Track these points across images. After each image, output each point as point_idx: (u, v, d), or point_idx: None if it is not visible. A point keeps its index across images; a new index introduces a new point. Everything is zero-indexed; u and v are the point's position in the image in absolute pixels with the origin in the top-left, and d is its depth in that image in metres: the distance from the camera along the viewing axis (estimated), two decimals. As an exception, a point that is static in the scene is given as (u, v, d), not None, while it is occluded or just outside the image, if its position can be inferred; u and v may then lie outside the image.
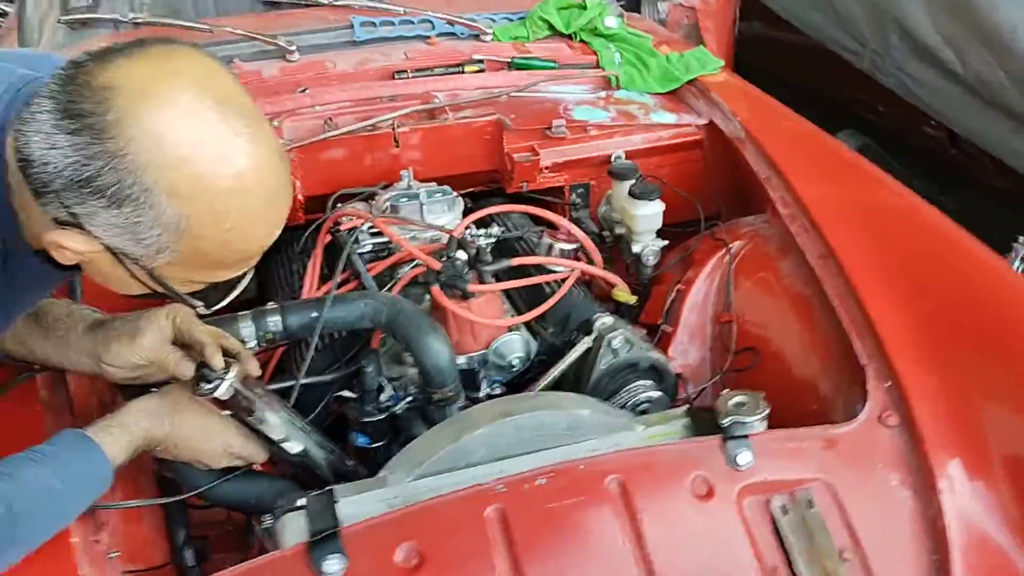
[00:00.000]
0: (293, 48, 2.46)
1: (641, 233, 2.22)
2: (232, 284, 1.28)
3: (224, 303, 1.33)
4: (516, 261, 1.85)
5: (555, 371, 1.76)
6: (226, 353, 1.48)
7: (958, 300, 1.67)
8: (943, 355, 1.59)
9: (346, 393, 1.75)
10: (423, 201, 2.05)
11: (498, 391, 1.87)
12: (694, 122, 2.39)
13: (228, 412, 1.51)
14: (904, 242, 1.84)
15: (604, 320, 1.78)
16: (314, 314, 1.70)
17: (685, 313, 2.05)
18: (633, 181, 2.24)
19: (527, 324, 1.91)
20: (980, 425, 1.51)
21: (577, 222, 2.34)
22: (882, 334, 1.64)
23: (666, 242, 2.25)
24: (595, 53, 2.60)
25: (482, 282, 1.80)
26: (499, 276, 1.86)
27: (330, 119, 2.31)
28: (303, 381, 1.69)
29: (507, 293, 1.97)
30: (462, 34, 2.62)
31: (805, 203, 1.96)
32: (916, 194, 2.01)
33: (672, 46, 2.70)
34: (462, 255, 1.84)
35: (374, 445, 1.75)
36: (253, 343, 1.68)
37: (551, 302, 1.88)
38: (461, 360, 1.83)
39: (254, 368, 1.53)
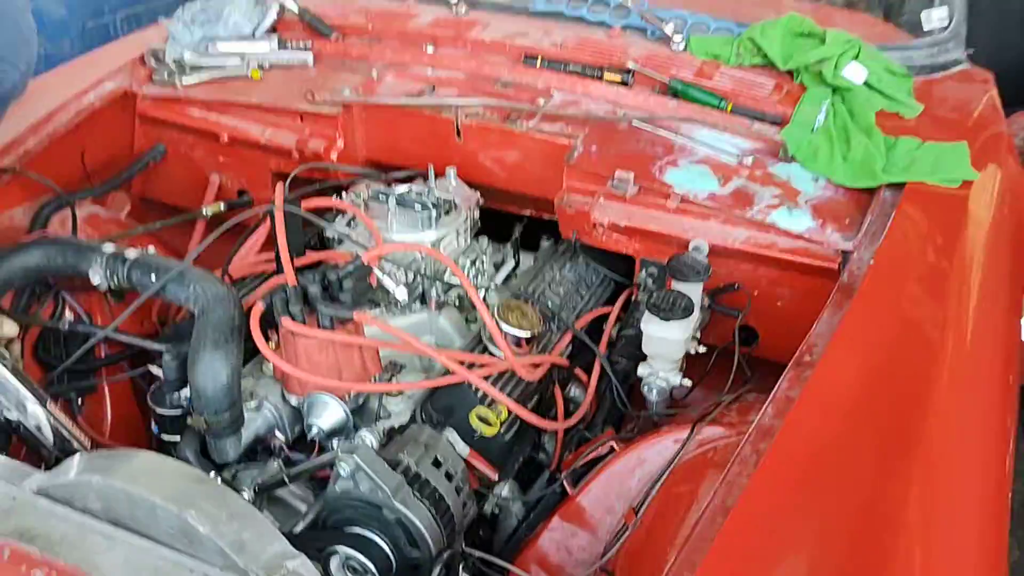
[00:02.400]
0: (457, 1, 2.19)
1: (653, 358, 1.60)
2: None
3: None
4: (362, 317, 1.44)
5: (303, 466, 1.37)
6: None
7: None
8: None
9: (155, 370, 1.58)
10: (390, 207, 1.70)
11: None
12: (833, 243, 1.61)
13: None
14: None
15: (365, 435, 1.32)
16: (153, 277, 1.54)
17: (601, 482, 1.45)
18: (695, 284, 1.62)
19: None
20: None
21: (635, 307, 1.79)
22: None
23: (686, 382, 1.60)
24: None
25: (319, 324, 1.45)
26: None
27: (433, 87, 2.02)
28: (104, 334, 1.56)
29: None
30: (653, 34, 2.07)
31: (789, 416, 1.21)
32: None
33: (957, 132, 1.83)
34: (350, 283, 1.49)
35: (164, 437, 1.56)
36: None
37: (394, 386, 1.46)
38: (292, 400, 1.53)
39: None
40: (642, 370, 1.62)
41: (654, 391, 1.61)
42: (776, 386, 1.31)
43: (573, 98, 1.94)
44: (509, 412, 1.46)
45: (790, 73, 1.95)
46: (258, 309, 1.46)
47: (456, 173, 1.86)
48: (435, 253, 1.60)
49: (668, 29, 2.01)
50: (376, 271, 1.64)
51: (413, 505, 1.27)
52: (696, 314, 1.57)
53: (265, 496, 1.47)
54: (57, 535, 1.22)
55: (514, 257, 1.91)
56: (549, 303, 1.77)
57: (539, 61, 2.00)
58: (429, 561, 1.28)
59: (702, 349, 1.66)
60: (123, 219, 2.14)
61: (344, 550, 1.25)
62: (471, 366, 1.50)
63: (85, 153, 2.09)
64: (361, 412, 1.56)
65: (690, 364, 1.71)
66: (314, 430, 1.46)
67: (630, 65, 1.96)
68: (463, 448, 1.44)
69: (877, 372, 1.32)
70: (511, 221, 2.00)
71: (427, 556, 1.28)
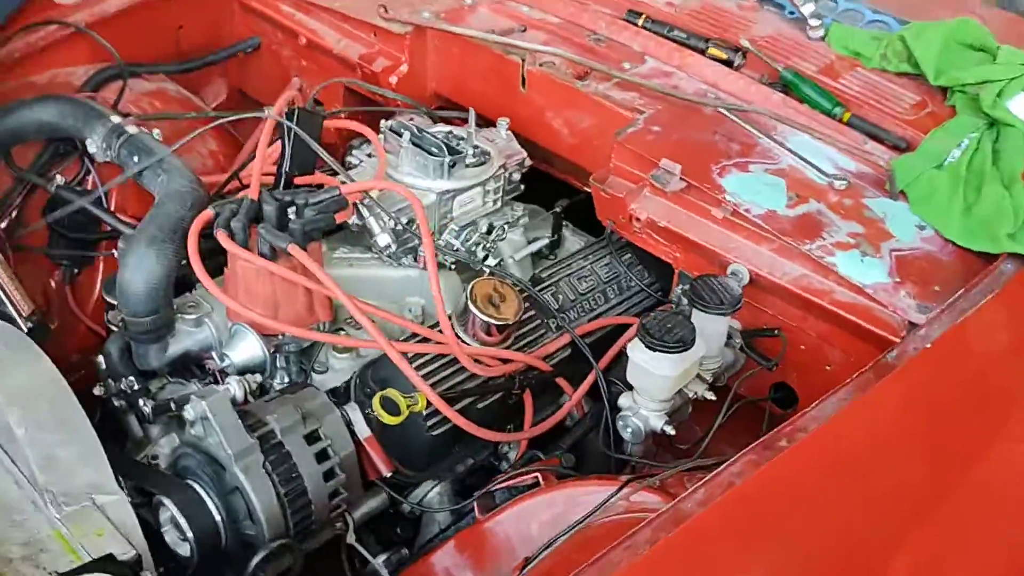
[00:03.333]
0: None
1: (637, 390, 1.32)
2: None
3: None
4: (296, 250, 1.25)
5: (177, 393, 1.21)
6: None
7: None
8: None
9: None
10: (403, 144, 1.49)
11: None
12: (902, 309, 1.24)
13: None
14: None
15: (232, 382, 1.14)
16: (136, 158, 1.46)
17: (509, 517, 1.20)
18: (716, 317, 1.31)
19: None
20: None
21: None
22: None
23: (668, 428, 1.31)
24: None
25: (261, 252, 1.27)
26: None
27: (524, 28, 1.79)
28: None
29: None
30: (790, 14, 1.71)
31: (714, 507, 0.92)
32: None
33: None
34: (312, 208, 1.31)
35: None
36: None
37: (306, 333, 1.27)
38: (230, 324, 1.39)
39: None
40: (623, 401, 1.34)
41: (628, 429, 1.32)
42: (723, 466, 1.01)
43: (665, 69, 1.64)
44: (430, 404, 1.24)
45: (943, 91, 1.55)
46: (204, 216, 1.32)
47: (509, 125, 1.63)
48: (408, 193, 1.37)
49: (806, 10, 1.65)
50: (363, 210, 1.46)
51: (256, 476, 1.09)
52: (699, 350, 1.27)
53: (172, 420, 1.35)
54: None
55: (552, 234, 1.66)
56: (560, 296, 1.51)
57: (642, 19, 1.71)
58: (263, 544, 1.10)
59: (710, 396, 1.35)
60: (204, 105, 2.08)
61: (170, 505, 1.10)
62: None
63: (183, 30, 2.04)
64: (304, 359, 1.40)
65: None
66: (225, 361, 1.31)
67: (742, 43, 1.63)
68: (363, 430, 1.24)
69: (861, 485, 0.98)
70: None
71: (260, 538, 1.10)
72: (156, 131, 1.58)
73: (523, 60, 1.65)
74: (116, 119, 1.54)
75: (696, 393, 1.34)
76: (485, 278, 1.39)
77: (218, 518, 1.11)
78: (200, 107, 1.99)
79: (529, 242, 1.65)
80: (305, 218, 1.32)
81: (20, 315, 1.44)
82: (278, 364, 1.39)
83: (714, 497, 0.97)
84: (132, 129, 1.52)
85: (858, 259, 1.30)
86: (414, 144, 1.50)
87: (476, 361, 1.34)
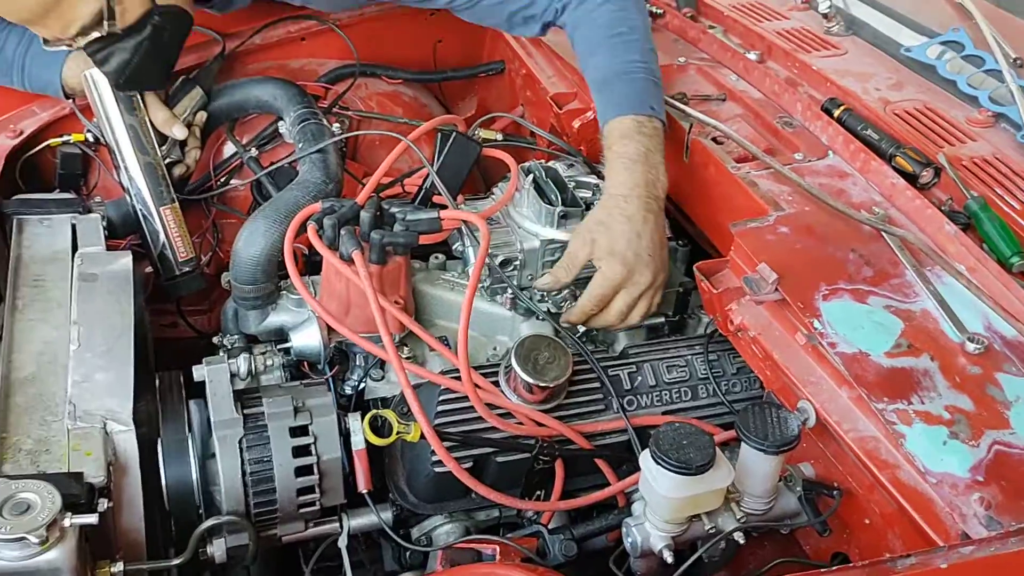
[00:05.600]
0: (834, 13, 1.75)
1: (651, 504, 1.19)
2: None
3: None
4: (359, 257, 1.27)
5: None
6: None
7: None
8: None
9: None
10: (526, 184, 1.46)
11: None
12: (961, 516, 0.98)
13: None
14: None
15: (241, 358, 1.19)
16: (300, 145, 1.61)
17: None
18: (759, 454, 1.15)
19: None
20: None
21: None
22: None
23: (667, 554, 1.17)
24: None
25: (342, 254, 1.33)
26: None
27: (724, 97, 1.68)
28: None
29: None
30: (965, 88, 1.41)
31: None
32: None
33: None
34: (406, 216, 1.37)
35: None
36: None
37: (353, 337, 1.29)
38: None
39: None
40: (636, 507, 1.22)
41: (629, 539, 1.19)
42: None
43: (844, 169, 1.45)
44: (422, 437, 1.21)
45: None
46: (311, 208, 1.42)
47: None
48: (476, 219, 1.34)
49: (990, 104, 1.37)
50: (466, 239, 1.47)
51: (228, 448, 1.16)
52: (720, 480, 1.11)
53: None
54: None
55: (674, 314, 1.54)
56: (637, 378, 1.40)
57: (839, 110, 1.52)
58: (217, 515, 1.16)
59: (739, 538, 1.17)
60: (445, 114, 2.19)
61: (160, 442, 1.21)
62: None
63: (441, 43, 2.19)
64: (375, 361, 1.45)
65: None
66: (289, 343, 1.41)
67: (939, 158, 1.39)
68: (358, 441, 1.25)
69: None
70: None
71: (220, 509, 1.17)
72: (336, 125, 1.72)
73: (689, 128, 1.56)
74: (310, 108, 1.70)
75: (715, 528, 1.18)
76: (541, 335, 1.34)
77: (195, 475, 1.20)
78: (424, 115, 2.11)
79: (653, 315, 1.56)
80: (389, 232, 1.36)
81: (177, 258, 1.65)
82: (357, 363, 1.47)
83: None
84: (318, 119, 1.67)
85: (939, 439, 1.06)
86: (536, 187, 1.49)
87: (505, 416, 1.30)
